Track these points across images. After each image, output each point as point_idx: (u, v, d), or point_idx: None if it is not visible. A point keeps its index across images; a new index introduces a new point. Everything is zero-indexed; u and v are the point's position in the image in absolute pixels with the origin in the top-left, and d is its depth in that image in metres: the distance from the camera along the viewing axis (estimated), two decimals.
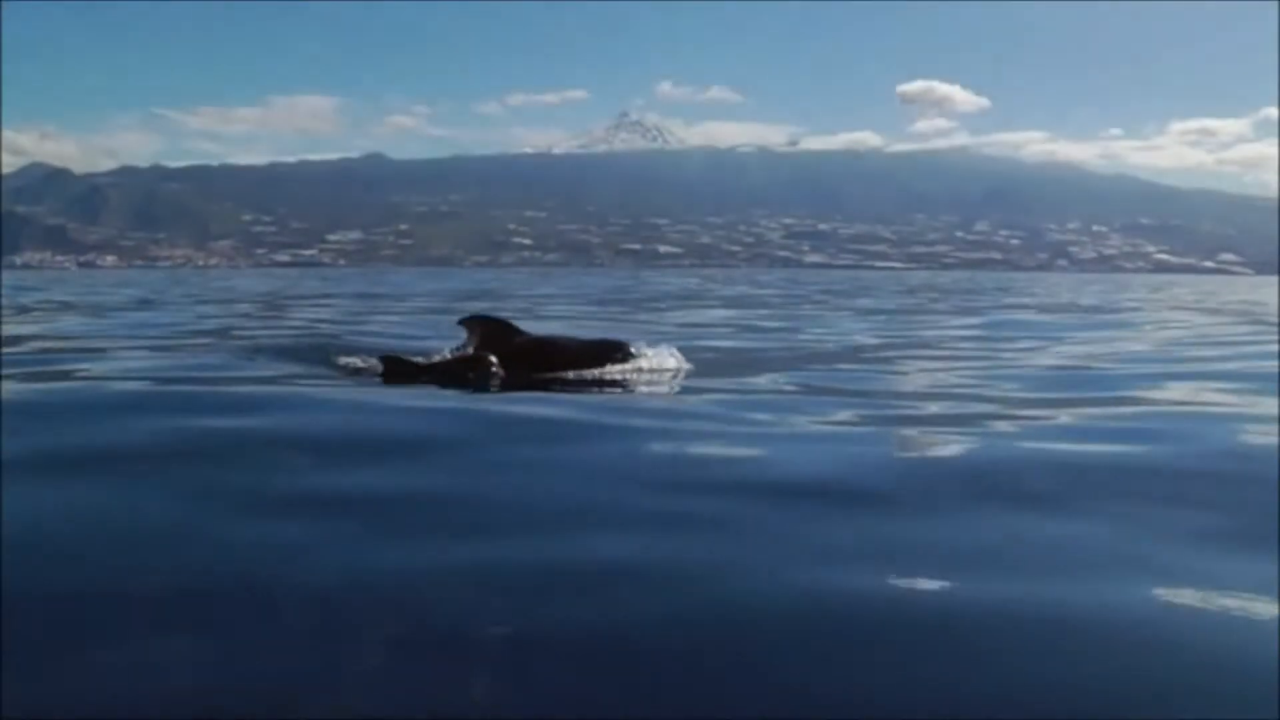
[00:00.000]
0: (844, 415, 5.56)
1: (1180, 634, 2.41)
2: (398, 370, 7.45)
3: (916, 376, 7.90)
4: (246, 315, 17.30)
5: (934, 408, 6.15)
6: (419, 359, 7.73)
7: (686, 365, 7.78)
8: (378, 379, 7.43)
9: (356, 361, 8.11)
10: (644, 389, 6.91)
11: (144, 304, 21.65)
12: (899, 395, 6.86)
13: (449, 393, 6.78)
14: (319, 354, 8.98)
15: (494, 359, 7.39)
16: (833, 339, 12.08)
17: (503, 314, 9.10)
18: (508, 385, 7.08)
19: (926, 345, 10.93)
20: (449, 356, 7.82)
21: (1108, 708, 2.06)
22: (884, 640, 2.38)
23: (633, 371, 7.42)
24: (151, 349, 10.12)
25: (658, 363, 7.69)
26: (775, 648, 2.34)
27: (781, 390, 6.79)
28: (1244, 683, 2.16)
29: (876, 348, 10.52)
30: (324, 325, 13.99)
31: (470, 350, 7.73)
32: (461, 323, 8.05)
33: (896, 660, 2.27)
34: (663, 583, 2.74)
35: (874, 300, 25.81)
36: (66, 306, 20.05)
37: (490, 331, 7.86)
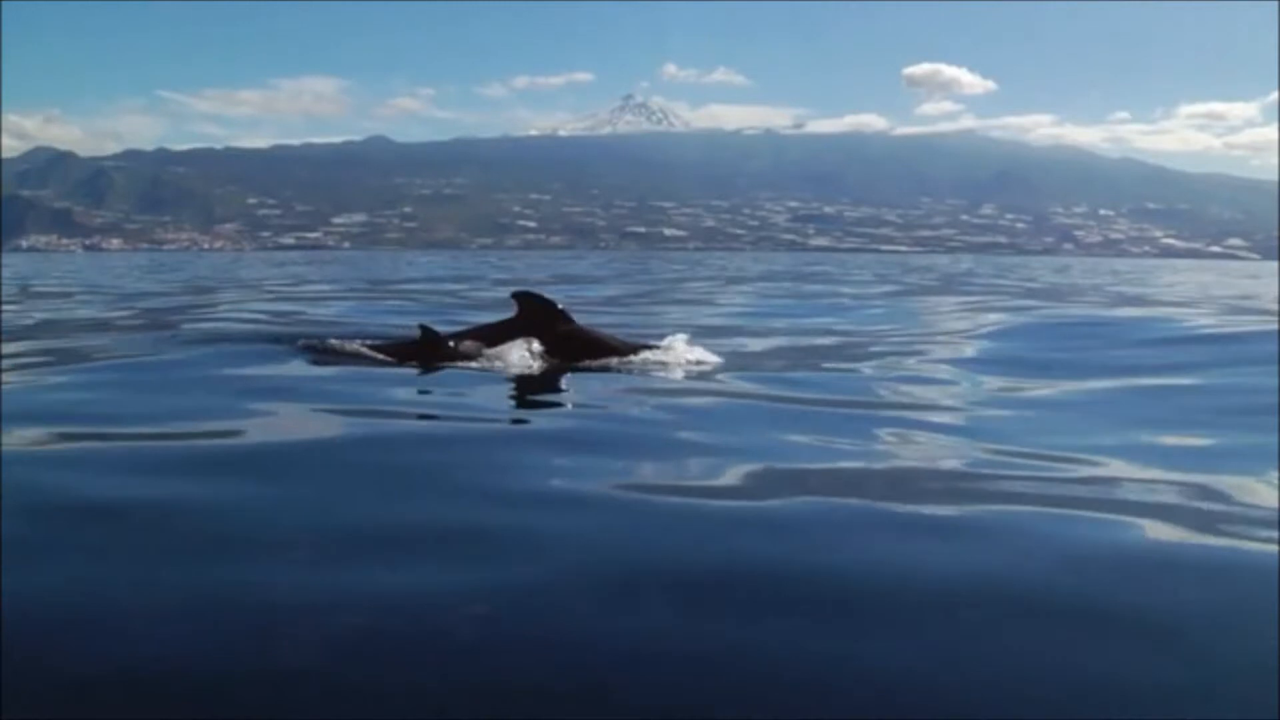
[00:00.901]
0: (778, 432, 5.17)
1: None
2: (433, 342, 7.62)
3: (898, 385, 7.28)
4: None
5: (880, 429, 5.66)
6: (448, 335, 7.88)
7: (714, 359, 7.82)
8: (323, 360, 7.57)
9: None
10: (630, 392, 6.71)
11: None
12: (874, 405, 6.44)
13: (381, 387, 6.73)
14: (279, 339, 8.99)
15: (537, 345, 7.49)
16: (858, 332, 11.53)
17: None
18: (501, 371, 7.27)
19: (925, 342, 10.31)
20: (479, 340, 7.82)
21: None
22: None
23: (654, 367, 7.45)
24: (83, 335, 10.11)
25: (690, 357, 7.75)
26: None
27: (763, 395, 6.39)
28: None
29: (881, 340, 10.25)
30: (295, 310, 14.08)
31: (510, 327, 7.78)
32: (514, 296, 8.01)
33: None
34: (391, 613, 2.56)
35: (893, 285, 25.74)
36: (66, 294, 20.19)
37: (537, 312, 7.81)
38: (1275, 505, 3.75)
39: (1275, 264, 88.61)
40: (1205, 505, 3.77)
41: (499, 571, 2.86)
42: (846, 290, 23.18)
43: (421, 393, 6.57)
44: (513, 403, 6.26)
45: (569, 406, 6.37)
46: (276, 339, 9.00)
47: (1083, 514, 3.54)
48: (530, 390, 6.87)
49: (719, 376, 7.30)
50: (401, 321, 10.98)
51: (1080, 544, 3.22)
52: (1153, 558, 3.11)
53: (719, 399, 6.25)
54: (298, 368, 7.53)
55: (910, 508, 3.62)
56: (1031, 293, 22.87)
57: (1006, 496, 3.82)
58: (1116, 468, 4.43)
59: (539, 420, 5.57)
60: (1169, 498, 3.89)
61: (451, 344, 7.71)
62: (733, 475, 4.16)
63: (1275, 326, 10.65)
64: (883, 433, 5.15)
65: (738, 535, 3.30)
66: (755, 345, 8.78)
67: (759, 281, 28.86)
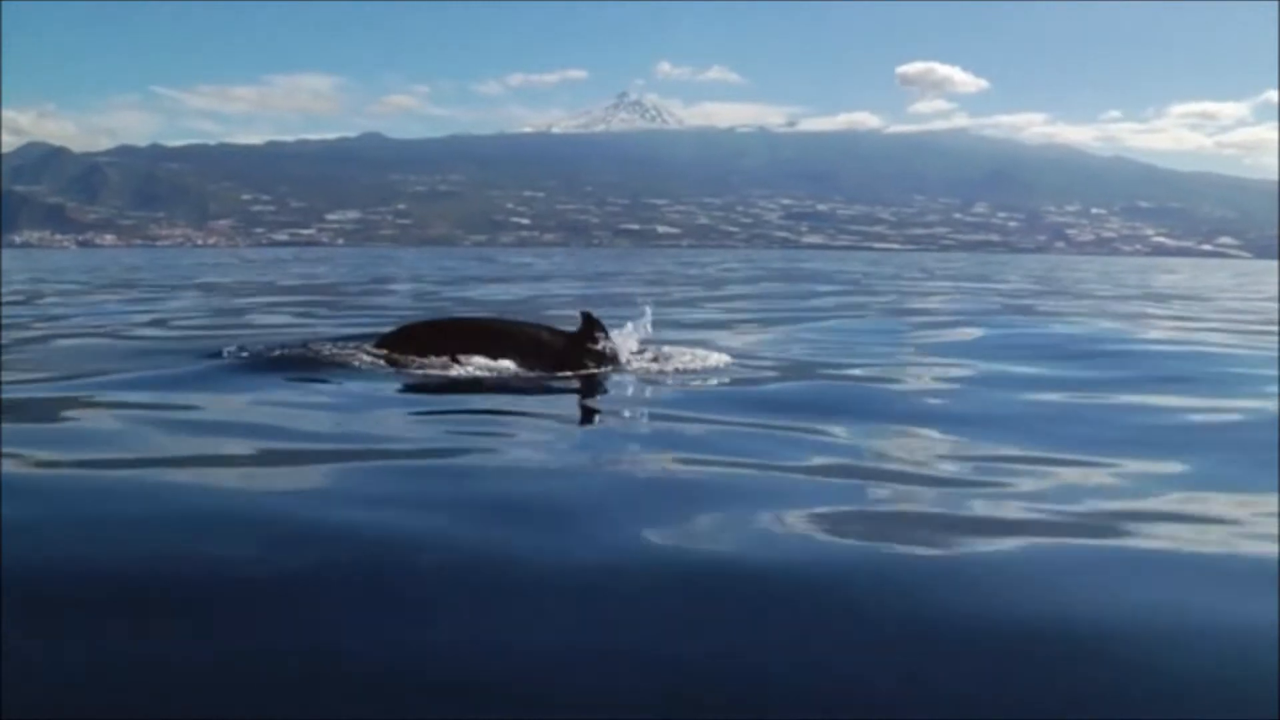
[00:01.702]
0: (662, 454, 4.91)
1: None
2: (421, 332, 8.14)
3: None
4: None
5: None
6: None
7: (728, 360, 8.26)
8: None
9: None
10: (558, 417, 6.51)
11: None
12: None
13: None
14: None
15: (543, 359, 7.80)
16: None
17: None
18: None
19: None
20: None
21: None
22: None
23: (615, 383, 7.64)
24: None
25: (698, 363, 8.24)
26: None
27: (693, 417, 6.02)
28: None
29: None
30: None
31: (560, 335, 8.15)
32: (582, 313, 8.21)
33: None
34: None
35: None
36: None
37: (588, 336, 8.03)
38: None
39: (1269, 262, 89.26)
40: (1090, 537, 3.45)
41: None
42: (826, 288, 23.59)
43: (334, 421, 5.81)
44: (422, 428, 5.86)
45: (478, 433, 5.73)
46: (237, 350, 8.45)
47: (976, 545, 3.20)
48: (468, 409, 6.43)
49: (658, 393, 7.14)
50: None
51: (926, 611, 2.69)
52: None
53: (642, 421, 6.16)
54: (231, 385, 7.02)
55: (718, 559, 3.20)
56: (1012, 298, 23.22)
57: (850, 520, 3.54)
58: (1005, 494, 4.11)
59: (420, 445, 5.14)
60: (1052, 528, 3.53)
61: (458, 352, 7.67)
62: (535, 514, 3.76)
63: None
64: (776, 458, 4.72)
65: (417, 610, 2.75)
66: (719, 354, 8.68)
67: (743, 284, 29.21)
